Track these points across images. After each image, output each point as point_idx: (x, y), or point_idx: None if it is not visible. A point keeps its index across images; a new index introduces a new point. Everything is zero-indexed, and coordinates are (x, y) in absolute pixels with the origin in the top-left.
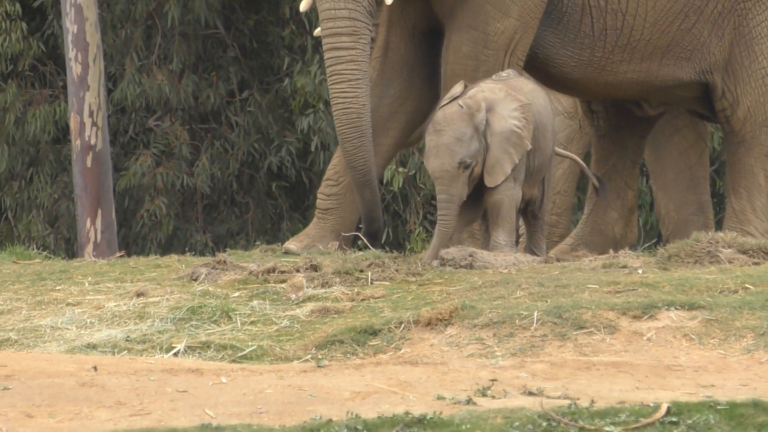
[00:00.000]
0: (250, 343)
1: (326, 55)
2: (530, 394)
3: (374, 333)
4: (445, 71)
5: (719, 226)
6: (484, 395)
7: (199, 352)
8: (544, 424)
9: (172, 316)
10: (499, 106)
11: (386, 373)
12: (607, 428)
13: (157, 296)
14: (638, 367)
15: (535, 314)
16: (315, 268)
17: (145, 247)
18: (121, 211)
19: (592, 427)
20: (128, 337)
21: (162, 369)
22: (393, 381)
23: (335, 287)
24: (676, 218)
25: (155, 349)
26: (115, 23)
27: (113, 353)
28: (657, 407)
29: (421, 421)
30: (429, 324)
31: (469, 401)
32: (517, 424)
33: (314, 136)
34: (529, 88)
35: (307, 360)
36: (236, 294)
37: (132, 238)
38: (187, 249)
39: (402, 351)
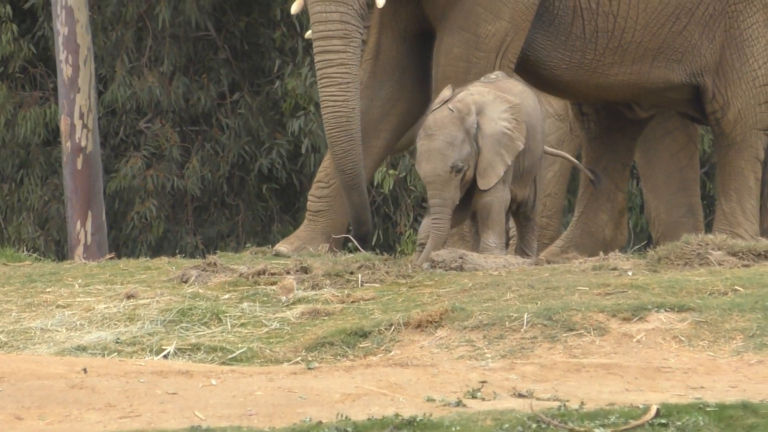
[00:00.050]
0: (240, 345)
1: (317, 58)
2: (520, 395)
3: (364, 335)
4: (436, 73)
5: (709, 228)
6: (474, 397)
7: (189, 354)
8: (534, 425)
9: (162, 318)
10: (489, 109)
11: (376, 375)
12: (596, 430)
13: (147, 298)
14: (628, 369)
15: (525, 316)
16: (305, 270)
17: (135, 249)
18: (111, 214)
19: (582, 429)
20: (118, 339)
21: (152, 371)
22: (383, 383)
23: (325, 289)
24: (667, 220)
25: (145, 351)
26: (106, 25)
27: (103, 355)
28: (646, 409)
29: (411, 423)
30: (419, 326)
31: (459, 403)
32: (506, 425)
33: (305, 139)
34: (518, 89)
35: (297, 362)
36: (226, 296)
37: (122, 240)
38: (177, 251)
39: (392, 353)
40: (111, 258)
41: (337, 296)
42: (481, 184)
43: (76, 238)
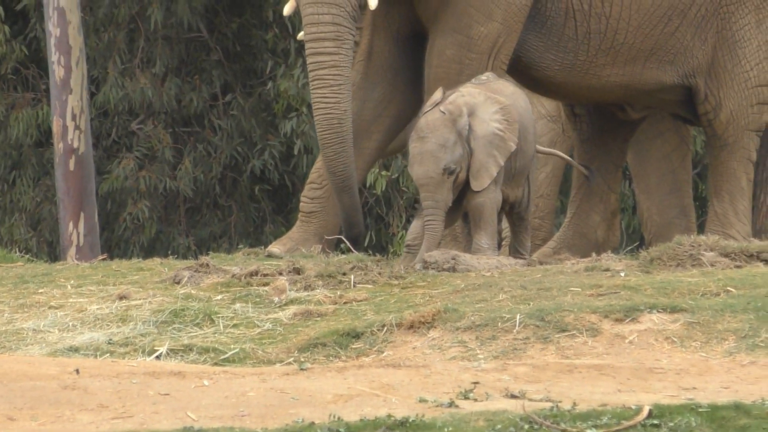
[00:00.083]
0: (232, 346)
1: (309, 60)
2: (512, 396)
3: (357, 336)
4: (428, 75)
5: (701, 229)
6: (466, 398)
7: (182, 355)
8: (527, 426)
9: (155, 319)
10: (480, 110)
11: (369, 376)
12: (589, 431)
13: (140, 299)
14: (620, 370)
15: (518, 317)
16: (298, 271)
17: (127, 251)
18: (103, 215)
19: (574, 430)
20: (110, 340)
21: (144, 372)
22: (375, 384)
23: (318, 290)
24: (659, 221)
25: (137, 352)
26: (98, 27)
27: (95, 356)
28: (639, 410)
29: (403, 423)
30: (411, 327)
31: (451, 404)
32: (499, 426)
33: (297, 140)
34: (509, 90)
35: (289, 363)
36: (219, 297)
37: (115, 242)
38: (169, 252)
39: (384, 354)
40: (103, 259)
41: (330, 297)
42: (474, 186)
43: (68, 239)
